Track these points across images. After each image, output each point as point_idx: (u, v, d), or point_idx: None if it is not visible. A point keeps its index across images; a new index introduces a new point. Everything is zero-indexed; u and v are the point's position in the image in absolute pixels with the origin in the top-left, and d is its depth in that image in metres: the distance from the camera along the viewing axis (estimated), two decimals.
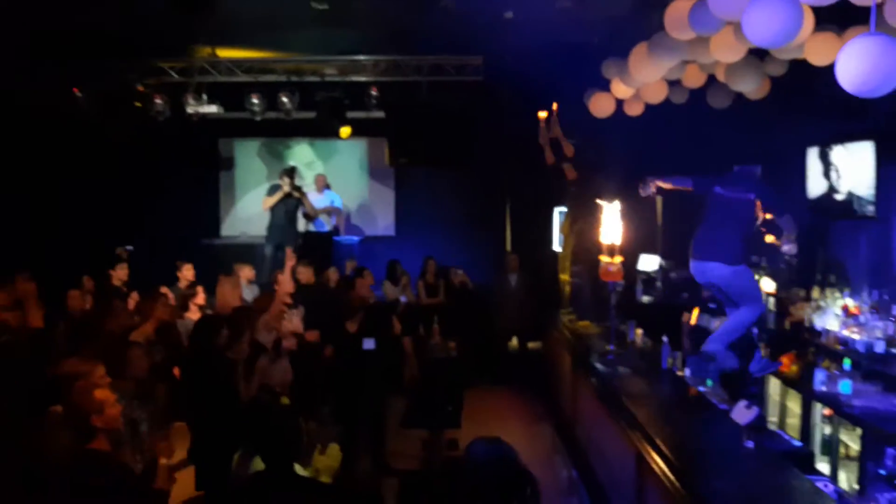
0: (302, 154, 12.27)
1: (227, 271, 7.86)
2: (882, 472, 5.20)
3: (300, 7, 7.42)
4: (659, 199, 10.85)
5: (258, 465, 3.55)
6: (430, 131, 10.29)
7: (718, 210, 5.97)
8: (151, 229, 10.77)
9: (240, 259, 9.04)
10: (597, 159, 9.09)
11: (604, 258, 6.87)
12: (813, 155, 7.29)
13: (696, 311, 7.07)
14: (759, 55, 6.12)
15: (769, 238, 6.36)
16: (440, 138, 10.29)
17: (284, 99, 10.14)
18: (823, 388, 5.96)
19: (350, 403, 6.75)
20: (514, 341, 10.19)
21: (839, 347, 6.15)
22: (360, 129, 11.14)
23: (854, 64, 3.25)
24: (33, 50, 8.83)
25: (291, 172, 10.55)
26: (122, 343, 5.24)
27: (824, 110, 6.63)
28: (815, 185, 7.30)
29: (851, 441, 5.65)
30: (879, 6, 4.31)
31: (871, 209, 6.44)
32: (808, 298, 7.03)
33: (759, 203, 5.82)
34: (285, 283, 6.46)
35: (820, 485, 4.43)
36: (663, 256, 10.20)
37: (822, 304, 6.74)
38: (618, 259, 6.77)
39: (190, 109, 9.87)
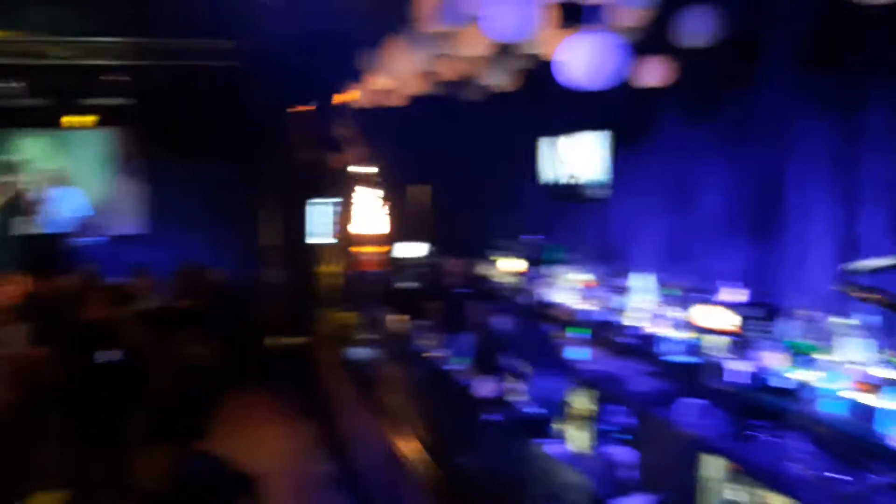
0: (34, 147, 10.84)
1: None
2: (610, 427, 5.78)
3: None
4: (427, 188, 11.21)
5: None
6: (181, 120, 9.60)
7: None
8: None
9: None
10: (360, 149, 9.13)
11: (364, 248, 6.87)
12: (548, 143, 7.90)
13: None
14: (504, 49, 6.46)
15: None
16: (192, 127, 9.65)
17: (14, 84, 8.86)
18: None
19: (88, 423, 6.09)
20: (278, 339, 9.88)
21: (572, 319, 6.72)
22: (104, 118, 10.09)
23: (576, 58, 3.48)
24: None
25: (16, 167, 9.27)
26: None
27: (558, 101, 7.18)
28: (549, 171, 7.91)
29: (584, 402, 6.19)
30: (602, 5, 4.73)
31: (597, 192, 7.11)
32: (545, 275, 7.62)
33: None
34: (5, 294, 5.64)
35: (554, 446, 4.79)
36: (431, 243, 10.53)
37: (557, 280, 7.34)
38: (379, 248, 6.81)
39: None
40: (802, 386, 3.89)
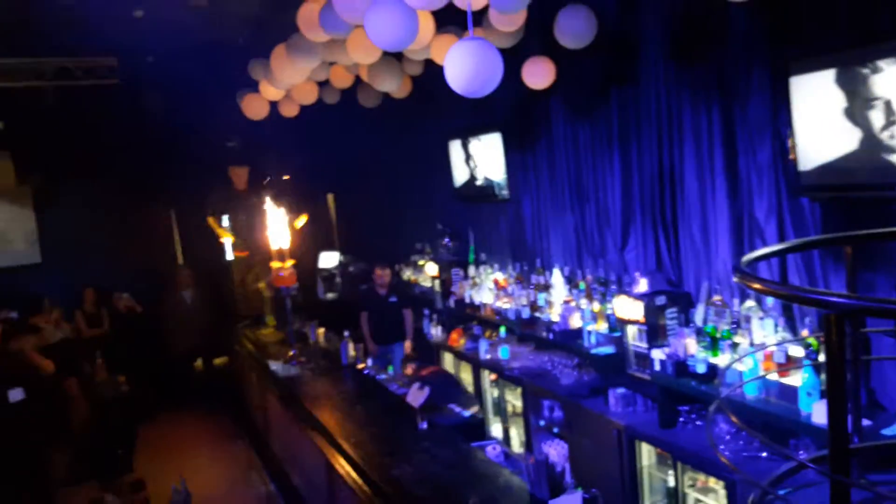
0: None
1: None
2: (542, 422, 5.93)
3: None
4: (331, 197, 11.10)
5: None
6: (63, 142, 9.09)
7: None
8: None
9: None
10: (262, 163, 8.93)
11: (274, 264, 6.73)
12: (455, 147, 7.97)
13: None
14: (396, 56, 6.46)
15: None
16: (76, 149, 9.15)
17: None
18: (487, 356, 6.61)
19: (2, 466, 5.72)
20: (199, 362, 9.55)
21: (495, 317, 6.84)
22: None
23: (457, 66, 3.52)
24: None
25: None
26: None
27: (458, 106, 7.26)
28: (459, 175, 7.99)
29: (515, 399, 6.34)
30: (480, 11, 4.80)
31: (505, 193, 7.24)
32: (465, 277, 7.71)
33: None
34: None
35: (489, 449, 4.86)
36: (341, 251, 10.45)
37: (477, 280, 7.44)
38: (289, 263, 6.68)
39: None
40: (721, 369, 4.11)
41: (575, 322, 5.70)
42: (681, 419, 4.38)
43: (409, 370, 6.10)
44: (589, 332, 5.49)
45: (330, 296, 9.78)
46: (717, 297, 4.48)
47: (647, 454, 4.59)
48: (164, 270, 9.95)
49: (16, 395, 5.95)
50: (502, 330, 6.69)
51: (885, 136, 3.57)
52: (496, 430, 6.66)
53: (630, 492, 4.57)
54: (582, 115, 6.19)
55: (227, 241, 10.03)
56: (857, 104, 3.70)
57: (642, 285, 4.89)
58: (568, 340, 5.69)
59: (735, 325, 4.23)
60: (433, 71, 6.66)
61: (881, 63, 3.57)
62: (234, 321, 8.75)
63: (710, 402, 3.89)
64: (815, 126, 3.90)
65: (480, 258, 7.92)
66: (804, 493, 2.00)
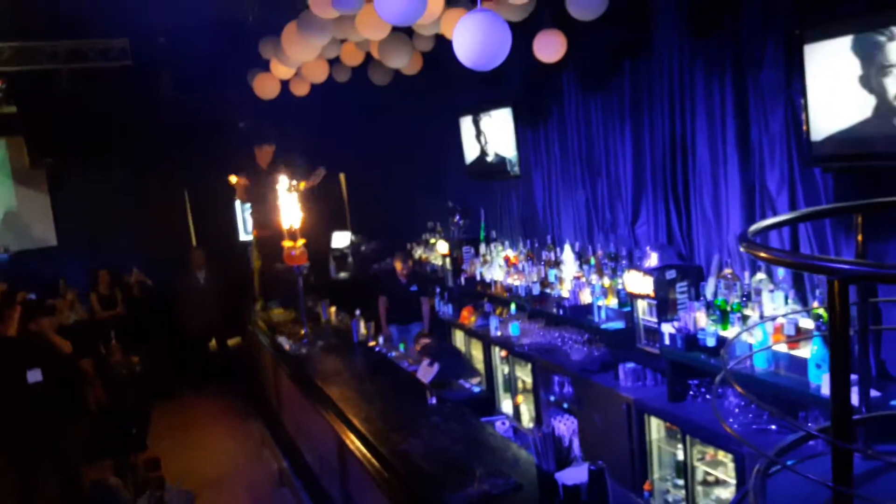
0: None
1: None
2: (552, 398, 5.94)
3: None
4: (342, 176, 11.08)
5: None
6: (77, 125, 9.11)
7: None
8: None
9: None
10: (274, 143, 8.91)
11: (286, 243, 6.74)
12: (466, 123, 7.91)
13: None
14: (406, 32, 6.40)
15: None
16: (90, 132, 9.18)
17: None
18: (498, 333, 6.61)
19: (21, 446, 5.83)
20: (213, 342, 9.63)
21: (506, 294, 6.83)
22: None
23: (465, 39, 3.48)
24: None
25: None
26: None
27: (469, 81, 7.20)
28: (470, 151, 7.94)
29: (526, 375, 6.35)
30: None
31: (516, 169, 7.19)
32: (476, 254, 7.69)
33: None
34: None
35: (498, 424, 4.88)
36: (353, 231, 10.46)
37: (488, 258, 7.42)
38: (300, 242, 6.69)
39: None
40: (728, 342, 4.07)
41: (585, 297, 5.68)
42: (690, 393, 4.36)
43: (419, 346, 6.11)
44: (599, 308, 5.47)
45: (342, 275, 9.80)
46: (727, 270, 4.43)
47: (656, 428, 4.58)
48: (178, 251, 10.01)
49: (34, 375, 6.04)
50: (513, 306, 6.67)
51: None
52: (506, 406, 6.67)
53: (639, 465, 4.57)
54: (593, 89, 6.11)
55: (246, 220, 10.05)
56: (872, 71, 3.62)
57: (652, 259, 4.86)
58: (578, 316, 5.67)
59: (745, 298, 4.19)
60: (444, 46, 6.60)
61: None
62: (247, 301, 8.78)
63: (722, 376, 3.87)
64: (828, 95, 3.83)
65: (491, 235, 7.90)
66: (811, 463, 1.98)
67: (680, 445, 4.28)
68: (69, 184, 10.15)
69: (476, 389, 5.45)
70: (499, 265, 7.14)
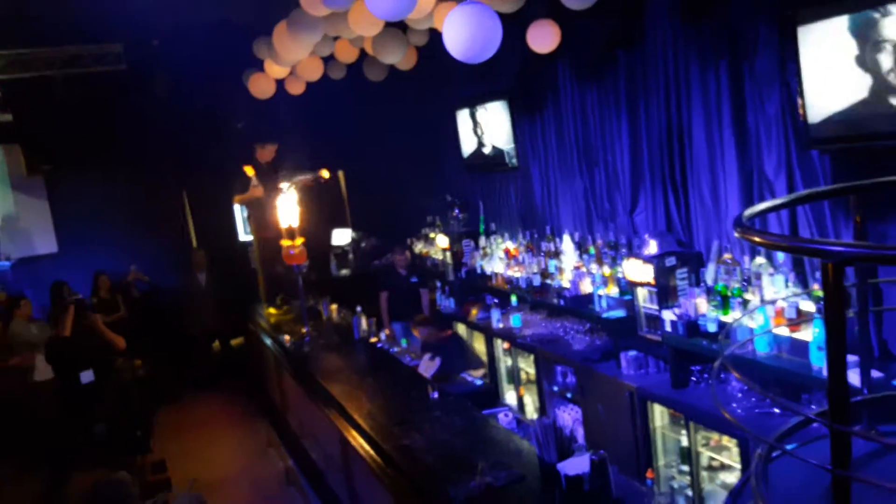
0: None
1: None
2: (555, 388, 5.93)
3: None
4: (341, 174, 11.06)
5: None
6: (73, 130, 9.12)
7: None
8: None
9: None
10: (271, 142, 8.88)
11: (284, 242, 6.73)
12: (462, 117, 7.88)
13: None
14: (400, 27, 6.37)
15: None
16: (87, 137, 9.18)
17: None
18: (500, 325, 6.60)
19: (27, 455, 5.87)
20: (217, 343, 9.64)
21: (506, 287, 6.81)
22: None
23: (455, 31, 3.45)
24: None
25: None
26: None
27: (465, 74, 7.17)
28: (468, 144, 7.92)
29: (528, 367, 6.34)
30: None
31: (514, 161, 7.16)
32: (476, 247, 7.67)
33: None
34: None
35: (501, 416, 4.87)
36: (353, 228, 10.44)
37: (488, 250, 7.40)
38: (299, 241, 6.68)
39: None
40: (727, 327, 4.06)
41: (586, 287, 5.66)
42: (693, 379, 4.35)
43: (418, 332, 6.12)
44: (600, 297, 5.45)
45: (343, 272, 9.79)
46: (727, 256, 4.41)
47: (659, 415, 4.57)
48: (178, 253, 10.01)
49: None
50: (513, 298, 6.66)
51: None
52: (510, 397, 6.67)
53: (644, 453, 4.56)
54: (589, 78, 6.08)
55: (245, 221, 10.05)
56: (867, 51, 3.58)
57: (652, 247, 4.83)
58: (579, 306, 5.65)
59: (746, 283, 4.17)
60: (438, 40, 6.57)
61: (892, 6, 3.45)
62: (249, 301, 8.79)
63: (723, 361, 3.85)
64: (823, 76, 3.79)
65: (491, 228, 7.88)
66: (814, 446, 1.97)
67: (684, 432, 4.27)
68: (68, 190, 10.16)
69: (479, 382, 5.44)
70: (499, 257, 7.12)
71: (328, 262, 9.80)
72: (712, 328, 4.18)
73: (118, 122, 9.15)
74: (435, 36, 6.46)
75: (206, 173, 9.76)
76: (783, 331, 3.71)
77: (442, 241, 8.11)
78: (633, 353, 4.86)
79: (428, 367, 5.00)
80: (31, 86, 8.81)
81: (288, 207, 6.72)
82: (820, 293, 3.51)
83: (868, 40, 3.56)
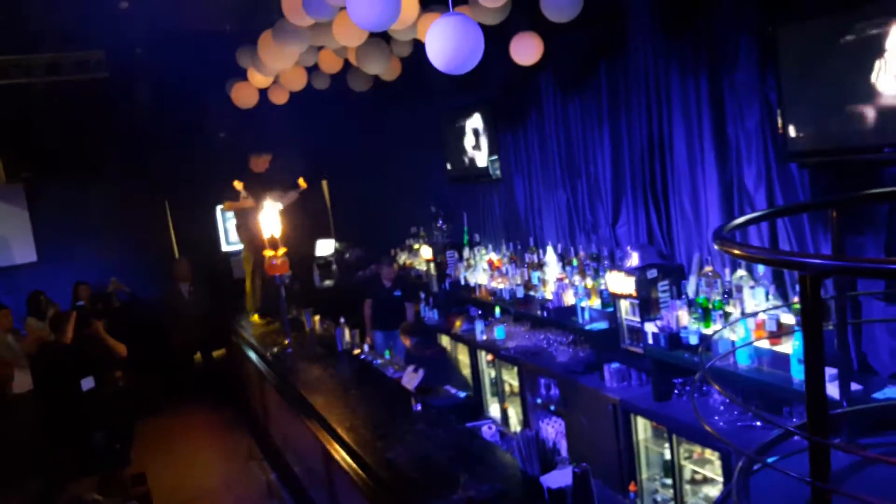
0: None
1: None
2: (539, 400, 5.92)
3: None
4: (325, 184, 11.04)
5: None
6: (53, 138, 9.03)
7: None
8: None
9: None
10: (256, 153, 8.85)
11: (267, 252, 6.69)
12: (446, 128, 7.90)
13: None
14: (384, 37, 6.38)
15: None
16: (66, 145, 9.09)
17: None
18: (484, 337, 6.59)
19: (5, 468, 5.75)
20: (198, 354, 9.53)
21: (490, 298, 6.81)
22: None
23: (438, 43, 3.46)
24: None
25: None
26: None
27: (448, 86, 7.18)
28: (451, 155, 7.93)
29: (512, 379, 6.33)
30: None
31: (497, 172, 7.18)
32: (460, 259, 7.67)
33: None
34: None
35: (484, 429, 4.85)
36: (337, 238, 10.41)
37: (472, 261, 7.40)
38: (281, 251, 6.64)
39: None
40: (708, 339, 4.08)
41: (569, 299, 5.67)
42: (675, 392, 4.36)
43: (407, 341, 6.09)
44: (583, 309, 5.46)
45: (327, 283, 9.75)
46: (708, 268, 4.44)
47: (642, 428, 4.57)
48: (159, 263, 9.92)
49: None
50: (497, 310, 6.65)
51: (874, 98, 3.51)
52: (494, 410, 6.65)
53: (627, 466, 4.56)
54: (571, 90, 6.12)
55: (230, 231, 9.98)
56: (845, 66, 3.63)
57: (634, 259, 4.85)
58: (562, 318, 5.66)
59: (727, 296, 4.19)
60: (422, 51, 6.59)
61: (869, 22, 3.50)
62: (231, 312, 8.71)
63: (705, 373, 3.87)
64: (801, 90, 3.84)
65: (474, 239, 7.88)
66: (795, 459, 1.97)
67: (667, 444, 4.28)
68: (48, 198, 10.04)
69: (462, 395, 5.42)
70: (483, 269, 7.12)
71: (311, 272, 9.76)
72: (694, 340, 4.20)
73: (99, 130, 9.07)
74: (419, 47, 6.48)
75: (188, 183, 9.69)
76: (764, 343, 3.73)
77: (426, 251, 8.10)
78: (615, 365, 4.87)
79: (411, 378, 4.97)
80: (9, 93, 8.71)
81: (270, 218, 6.68)
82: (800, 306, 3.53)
83: (845, 56, 3.61)
